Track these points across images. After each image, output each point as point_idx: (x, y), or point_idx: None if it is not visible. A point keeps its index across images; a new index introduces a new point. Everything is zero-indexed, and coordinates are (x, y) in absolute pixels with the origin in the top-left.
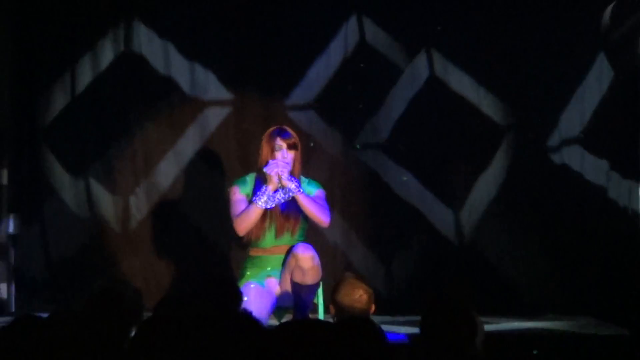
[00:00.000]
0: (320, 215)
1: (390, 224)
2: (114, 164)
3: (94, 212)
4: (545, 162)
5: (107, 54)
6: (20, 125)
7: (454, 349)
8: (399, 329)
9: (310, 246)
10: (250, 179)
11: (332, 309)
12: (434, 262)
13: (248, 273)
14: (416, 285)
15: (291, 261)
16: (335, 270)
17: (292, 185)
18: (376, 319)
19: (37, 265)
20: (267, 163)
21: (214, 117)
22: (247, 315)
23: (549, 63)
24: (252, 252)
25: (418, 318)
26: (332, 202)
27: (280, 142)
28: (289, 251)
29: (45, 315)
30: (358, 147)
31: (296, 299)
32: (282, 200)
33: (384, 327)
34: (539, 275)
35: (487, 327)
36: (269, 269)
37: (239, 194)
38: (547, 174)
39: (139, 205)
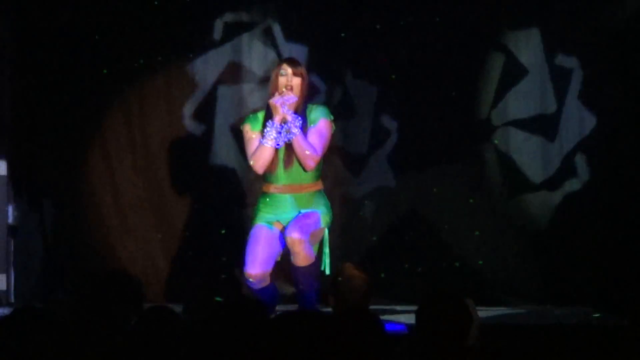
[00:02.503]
0: (304, 161)
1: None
2: (111, 151)
3: (93, 202)
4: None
5: None
6: (20, 117)
7: (449, 338)
8: (399, 318)
9: (305, 228)
10: (262, 115)
11: (331, 299)
12: (433, 252)
13: (260, 214)
14: (416, 274)
15: (287, 240)
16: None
17: (293, 122)
18: (375, 308)
19: (37, 256)
20: (274, 95)
21: None
22: (247, 305)
23: None
24: (265, 188)
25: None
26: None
27: (285, 68)
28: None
29: (44, 306)
30: None
31: (294, 283)
32: (287, 140)
33: (383, 317)
34: (536, 265)
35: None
36: (280, 212)
37: (250, 132)
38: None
39: (138, 194)
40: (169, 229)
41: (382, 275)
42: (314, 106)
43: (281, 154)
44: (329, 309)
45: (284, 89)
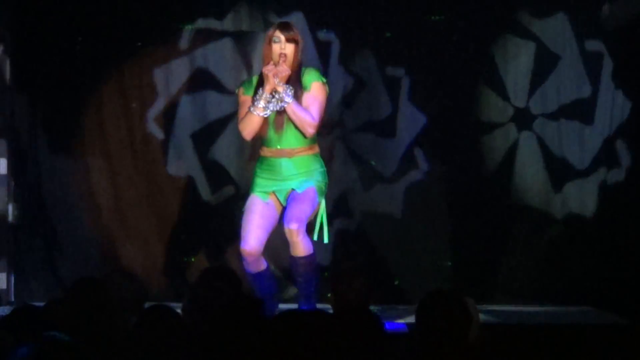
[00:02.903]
0: (302, 126)
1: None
2: (111, 151)
3: (94, 200)
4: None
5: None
6: (20, 116)
7: (449, 337)
8: (400, 318)
9: (302, 217)
10: (256, 79)
11: (331, 297)
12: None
13: (256, 180)
14: (417, 273)
15: (286, 231)
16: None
17: (284, 92)
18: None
19: (37, 256)
20: (267, 63)
21: None
22: (247, 305)
23: None
24: (261, 152)
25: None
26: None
27: (278, 35)
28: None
29: (43, 308)
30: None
31: (293, 275)
32: (277, 108)
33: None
34: (537, 264)
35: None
36: (276, 176)
37: (243, 95)
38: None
39: (140, 192)
40: (169, 228)
41: (397, 282)
42: (306, 69)
43: (271, 118)
44: (329, 307)
45: (279, 60)
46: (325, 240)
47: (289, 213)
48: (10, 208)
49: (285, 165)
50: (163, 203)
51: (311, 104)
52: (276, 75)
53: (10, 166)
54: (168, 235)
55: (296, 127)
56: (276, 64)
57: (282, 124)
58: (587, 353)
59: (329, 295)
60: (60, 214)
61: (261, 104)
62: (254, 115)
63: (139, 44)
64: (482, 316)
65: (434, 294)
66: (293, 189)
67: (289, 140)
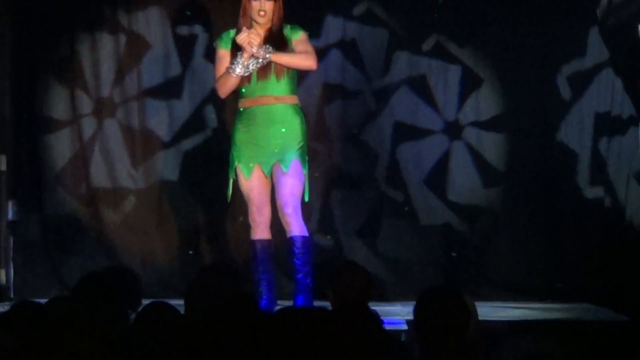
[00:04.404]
0: (303, 65)
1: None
2: (111, 147)
3: (93, 197)
4: (545, 150)
5: (105, 43)
6: (20, 114)
7: (448, 335)
8: (398, 315)
9: (295, 201)
10: (234, 33)
11: (329, 293)
12: (434, 247)
13: (239, 146)
14: (415, 270)
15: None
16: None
17: (264, 55)
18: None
19: (36, 252)
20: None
21: None
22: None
23: None
24: (240, 104)
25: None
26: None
27: None
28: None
29: (43, 301)
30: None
31: (290, 258)
32: (257, 68)
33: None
34: (537, 261)
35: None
36: (255, 131)
37: (221, 49)
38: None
39: (138, 190)
40: (169, 225)
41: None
42: (289, 25)
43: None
44: (328, 304)
45: (258, 17)
46: (306, 199)
47: (283, 197)
48: (9, 205)
49: (266, 116)
50: (164, 199)
51: (303, 46)
52: (250, 43)
53: (9, 162)
54: (169, 230)
55: (279, 76)
56: (248, 33)
57: (267, 74)
58: (586, 351)
59: (327, 292)
60: (60, 210)
61: (239, 68)
62: (230, 77)
63: None
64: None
65: (432, 291)
66: (279, 163)
67: (272, 87)
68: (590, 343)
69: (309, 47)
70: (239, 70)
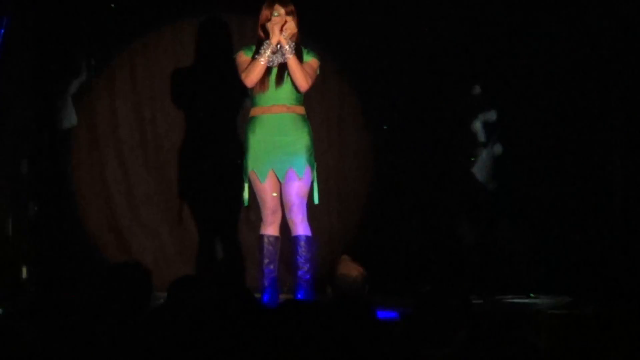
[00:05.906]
0: (301, 80)
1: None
2: (124, 149)
3: (107, 197)
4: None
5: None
6: (40, 125)
7: (444, 327)
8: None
9: (303, 207)
10: (254, 48)
11: (329, 289)
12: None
13: (252, 151)
14: (410, 264)
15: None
16: (332, 252)
17: (289, 45)
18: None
19: (54, 249)
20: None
21: None
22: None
23: None
24: (253, 112)
25: (410, 297)
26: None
27: (278, 8)
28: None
29: (60, 297)
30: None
31: (293, 254)
32: (278, 64)
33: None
34: (519, 255)
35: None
36: (268, 140)
37: (243, 56)
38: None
39: (149, 190)
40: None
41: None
42: (306, 49)
43: (273, 76)
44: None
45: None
46: (315, 201)
47: (291, 198)
48: (30, 205)
49: (277, 124)
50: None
51: (310, 66)
52: (284, 29)
53: (30, 166)
54: (179, 230)
55: (292, 84)
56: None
57: (283, 80)
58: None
59: (327, 287)
60: (77, 210)
61: (267, 52)
62: (258, 63)
63: None
64: None
65: (431, 288)
66: (293, 169)
67: (286, 95)
68: (568, 333)
69: (312, 72)
70: (268, 53)
